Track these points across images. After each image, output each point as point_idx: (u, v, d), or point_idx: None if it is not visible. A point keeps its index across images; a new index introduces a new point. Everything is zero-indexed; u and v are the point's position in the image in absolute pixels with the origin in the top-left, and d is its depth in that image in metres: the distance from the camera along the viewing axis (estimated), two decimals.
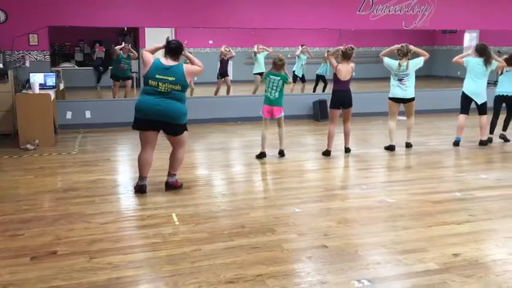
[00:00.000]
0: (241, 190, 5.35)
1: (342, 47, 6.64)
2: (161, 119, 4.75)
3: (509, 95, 7.43)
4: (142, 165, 4.99)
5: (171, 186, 5.09)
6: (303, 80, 12.19)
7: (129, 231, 4.05)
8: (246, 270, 3.24)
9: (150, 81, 4.73)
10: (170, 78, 4.68)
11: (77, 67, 14.44)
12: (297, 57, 12.23)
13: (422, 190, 5.09)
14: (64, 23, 8.43)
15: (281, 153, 6.64)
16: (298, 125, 9.07)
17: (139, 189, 4.98)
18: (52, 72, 8.48)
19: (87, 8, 8.34)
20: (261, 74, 11.15)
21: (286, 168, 6.05)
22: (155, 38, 13.16)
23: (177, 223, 4.14)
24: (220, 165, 6.35)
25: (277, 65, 6.37)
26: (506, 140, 7.51)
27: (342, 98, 6.62)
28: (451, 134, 7.64)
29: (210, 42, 13.36)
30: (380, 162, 6.49)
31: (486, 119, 7.21)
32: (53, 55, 12.06)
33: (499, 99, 7.53)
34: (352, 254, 3.52)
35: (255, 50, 11.52)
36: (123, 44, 11.05)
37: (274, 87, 6.37)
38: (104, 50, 14.38)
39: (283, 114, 6.50)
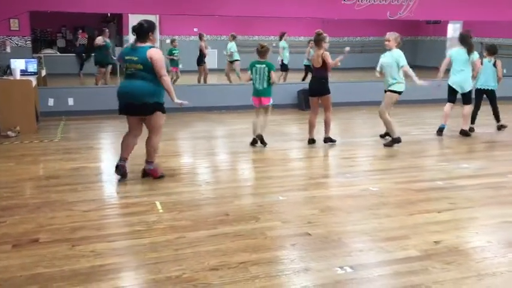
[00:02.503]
0: (225, 178, 5.35)
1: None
2: (129, 100, 4.78)
3: (489, 88, 7.53)
4: (122, 147, 5.07)
5: (148, 174, 5.05)
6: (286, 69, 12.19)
7: (112, 218, 4.02)
8: (230, 258, 3.25)
9: (124, 64, 4.85)
10: (134, 58, 4.72)
11: (59, 53, 14.23)
12: (282, 47, 12.21)
13: (405, 179, 5.15)
14: (45, 8, 8.28)
15: (261, 139, 6.45)
16: (283, 114, 9.07)
17: (116, 169, 4.98)
18: (33, 58, 8.33)
19: None
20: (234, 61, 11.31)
21: (270, 157, 6.06)
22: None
23: (160, 211, 4.13)
24: (204, 154, 6.34)
25: (260, 52, 6.29)
26: (502, 127, 7.69)
27: (313, 85, 6.58)
28: (434, 124, 7.72)
29: (195, 30, 13.26)
30: (364, 151, 6.54)
31: (469, 108, 7.29)
32: (35, 41, 11.87)
33: (479, 92, 7.64)
34: (335, 241, 3.55)
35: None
36: (106, 31, 10.92)
37: (261, 77, 6.29)
38: (87, 36, 14.18)
39: (271, 102, 6.46)
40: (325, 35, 6.46)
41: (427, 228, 3.80)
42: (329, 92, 6.54)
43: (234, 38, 12.02)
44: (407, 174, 5.32)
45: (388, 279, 3.02)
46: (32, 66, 7.79)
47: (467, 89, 7.12)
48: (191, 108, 9.04)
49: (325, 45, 6.45)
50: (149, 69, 4.69)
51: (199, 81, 11.88)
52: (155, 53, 4.70)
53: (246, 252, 3.33)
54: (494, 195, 4.63)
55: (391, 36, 6.38)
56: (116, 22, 14.88)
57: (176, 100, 4.93)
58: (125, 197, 4.54)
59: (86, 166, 5.55)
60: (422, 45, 17.44)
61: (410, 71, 6.40)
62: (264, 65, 6.27)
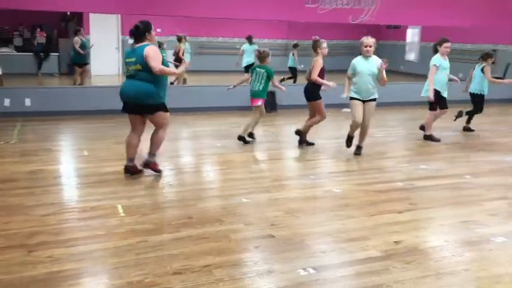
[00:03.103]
0: (189, 181, 5.30)
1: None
2: (132, 100, 4.86)
3: (478, 93, 7.83)
4: (126, 147, 5.10)
5: (148, 166, 5.10)
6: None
7: (71, 223, 3.91)
8: (193, 261, 3.21)
9: (125, 66, 4.95)
10: (133, 60, 4.79)
11: (16, 52, 13.77)
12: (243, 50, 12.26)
13: (367, 180, 5.24)
14: (2, 5, 7.97)
15: (241, 139, 6.71)
16: (248, 116, 9.06)
17: (126, 170, 5.06)
18: None
19: None
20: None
21: (234, 159, 6.05)
22: (100, 23, 12.76)
23: (122, 214, 4.05)
24: (168, 156, 6.25)
25: (259, 58, 6.72)
26: (468, 130, 8.00)
27: (304, 90, 6.72)
28: (396, 126, 7.91)
29: (158, 30, 13.07)
30: (327, 153, 6.61)
31: (429, 115, 7.37)
32: None
33: (471, 96, 7.94)
34: (299, 243, 3.57)
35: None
36: (82, 30, 10.75)
37: (258, 80, 6.64)
38: (46, 35, 13.78)
39: (259, 103, 6.72)
40: (321, 41, 6.49)
41: (387, 228, 3.88)
42: (315, 99, 6.58)
43: (182, 39, 11.97)
44: (369, 176, 5.42)
45: (350, 280, 3.06)
46: None
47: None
48: None
49: (321, 51, 6.45)
50: (147, 69, 4.70)
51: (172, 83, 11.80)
52: (149, 50, 4.70)
53: (210, 255, 3.30)
54: (452, 196, 4.77)
55: (373, 41, 6.05)
56: (76, 20, 14.53)
57: (180, 70, 5.50)
58: (85, 200, 4.42)
59: (44, 169, 5.37)
60: (383, 49, 17.73)
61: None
62: (264, 70, 6.62)
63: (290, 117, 9.15)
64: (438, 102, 7.18)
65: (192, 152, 6.60)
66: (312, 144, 6.76)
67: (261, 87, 6.66)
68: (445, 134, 7.88)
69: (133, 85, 4.80)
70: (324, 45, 6.49)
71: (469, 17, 10.79)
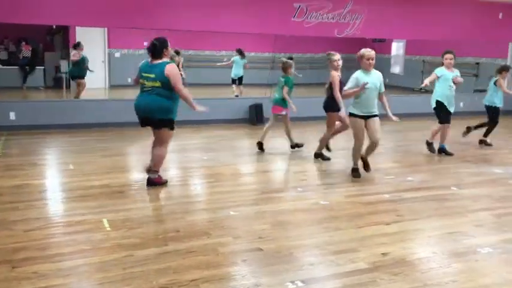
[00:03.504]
0: (177, 194, 5.27)
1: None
2: (146, 114, 5.03)
3: (492, 105, 7.79)
4: (151, 157, 5.27)
5: (152, 183, 5.21)
6: (240, 82, 12.31)
7: (56, 238, 3.85)
8: (181, 275, 3.18)
9: (140, 80, 5.06)
10: (152, 76, 4.93)
11: (0, 66, 13.64)
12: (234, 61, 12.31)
13: (354, 192, 5.26)
14: None
15: (296, 146, 7.16)
16: (235, 128, 9.09)
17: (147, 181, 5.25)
18: None
19: (11, 2, 7.85)
20: None
21: (222, 172, 6.03)
22: (86, 37, 12.72)
23: (108, 229, 4.00)
24: None
25: (283, 68, 6.94)
26: (484, 143, 7.93)
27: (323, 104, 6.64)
28: (382, 138, 7.91)
29: (145, 44, 13.10)
30: (315, 166, 6.62)
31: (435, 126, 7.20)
32: None
33: (486, 109, 7.88)
34: (287, 256, 3.56)
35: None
36: (81, 44, 10.66)
37: (278, 88, 6.93)
38: (31, 48, 13.69)
39: (283, 112, 6.91)
40: (331, 54, 6.37)
41: (375, 240, 3.89)
42: (331, 110, 6.43)
43: (179, 52, 12.04)
44: (356, 188, 5.44)
45: None
46: None
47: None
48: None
49: (332, 64, 6.32)
50: (166, 86, 4.89)
51: None
52: (172, 69, 4.92)
53: (198, 269, 3.28)
54: (438, 207, 4.80)
55: (374, 53, 5.66)
56: (62, 34, 14.47)
57: (198, 108, 5.10)
58: (71, 215, 4.36)
59: (29, 183, 5.30)
60: None
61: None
62: (283, 79, 6.83)
63: (276, 130, 9.17)
64: (438, 115, 7.08)
65: (179, 165, 6.57)
66: (328, 159, 6.77)
67: (276, 95, 6.94)
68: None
69: (149, 99, 4.97)
70: (335, 57, 6.34)
71: (452, 31, 10.99)
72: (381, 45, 17.56)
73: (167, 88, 4.90)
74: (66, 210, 4.52)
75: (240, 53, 12.27)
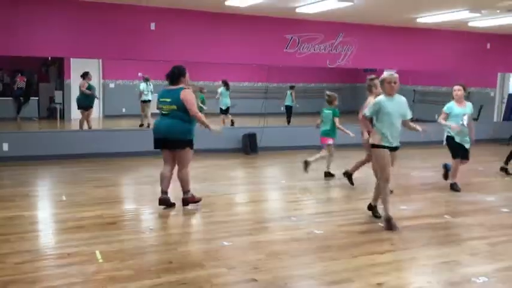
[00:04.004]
0: (169, 225, 5.24)
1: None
2: (163, 135, 5.36)
3: None
4: (160, 180, 5.56)
5: (187, 202, 5.56)
6: (226, 112, 12.52)
7: (47, 270, 3.79)
8: None
9: (158, 105, 5.43)
10: (168, 100, 5.31)
11: None
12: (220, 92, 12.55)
13: (348, 221, 5.25)
14: None
15: (328, 174, 7.43)
16: (228, 158, 9.10)
17: (160, 202, 5.50)
18: None
19: (6, 35, 7.93)
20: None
21: (215, 202, 6.01)
22: (80, 68, 12.83)
23: (100, 260, 3.95)
24: (148, 200, 6.17)
25: (327, 101, 7.27)
26: (504, 171, 7.92)
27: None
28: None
29: (139, 74, 13.23)
30: (308, 194, 6.62)
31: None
32: None
33: None
34: (282, 286, 3.53)
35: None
36: (89, 74, 10.69)
37: (326, 121, 7.24)
38: (26, 80, 13.76)
39: (330, 142, 7.27)
40: (376, 81, 6.07)
41: (370, 270, 3.86)
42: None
43: (146, 80, 12.39)
44: (350, 217, 5.43)
45: None
46: None
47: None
48: (133, 153, 8.90)
49: (377, 90, 5.94)
50: (182, 109, 5.26)
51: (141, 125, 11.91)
52: (187, 94, 5.29)
53: None
54: (432, 236, 4.80)
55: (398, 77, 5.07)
56: (57, 66, 14.59)
57: (212, 128, 5.50)
58: (63, 246, 4.31)
59: (20, 215, 5.25)
60: (360, 91, 18.21)
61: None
62: (331, 112, 7.18)
63: (270, 159, 9.21)
64: (450, 150, 6.74)
65: (172, 196, 6.53)
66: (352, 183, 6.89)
67: (329, 127, 7.23)
68: (425, 174, 8.00)
69: (168, 122, 5.31)
70: (377, 81, 5.95)
71: (441, 61, 11.21)
72: (372, 74, 17.84)
73: (183, 111, 5.26)
74: (58, 242, 4.46)
75: (225, 84, 12.54)
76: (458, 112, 6.56)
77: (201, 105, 11.60)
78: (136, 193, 6.69)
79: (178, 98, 5.24)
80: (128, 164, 8.28)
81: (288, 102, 13.86)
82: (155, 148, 5.55)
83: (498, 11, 8.28)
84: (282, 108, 14.04)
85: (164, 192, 5.54)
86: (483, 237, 4.77)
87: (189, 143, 5.41)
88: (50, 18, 8.16)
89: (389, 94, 4.99)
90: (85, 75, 10.64)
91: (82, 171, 7.65)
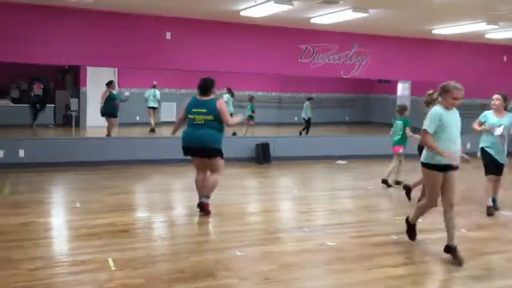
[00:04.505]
0: (182, 233, 5.23)
1: None
2: (198, 144, 5.50)
3: None
4: (196, 187, 5.77)
5: (203, 207, 5.62)
6: None
7: (60, 277, 3.81)
8: None
9: (188, 115, 5.56)
10: (203, 110, 5.48)
11: (12, 104, 13.88)
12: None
13: (361, 233, 5.19)
14: (1, 58, 8.12)
15: (385, 182, 7.64)
16: (241, 167, 9.09)
17: (198, 206, 5.65)
18: None
19: (24, 43, 8.06)
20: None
21: (227, 211, 6.00)
22: (97, 76, 12.98)
23: (113, 268, 3.96)
24: (161, 208, 6.20)
25: (399, 111, 7.64)
26: None
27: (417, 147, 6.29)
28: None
29: (154, 82, 13.34)
30: (321, 205, 6.59)
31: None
32: None
33: None
34: None
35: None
36: (113, 83, 10.73)
37: (396, 131, 7.58)
38: (42, 87, 13.95)
39: (400, 151, 7.56)
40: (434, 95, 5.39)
41: (384, 283, 3.81)
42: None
43: (153, 86, 12.74)
44: (363, 229, 5.38)
45: None
46: None
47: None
48: (147, 161, 8.95)
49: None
50: (217, 119, 5.48)
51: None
52: (223, 104, 5.56)
53: None
54: None
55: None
56: (73, 74, 14.77)
57: (237, 118, 6.08)
58: (76, 254, 4.33)
59: (34, 221, 5.29)
60: (374, 102, 18.17)
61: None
62: (401, 122, 7.50)
63: (283, 169, 9.18)
64: (484, 165, 6.15)
65: (184, 204, 6.55)
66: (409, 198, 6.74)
67: (400, 137, 7.52)
68: None
69: (203, 132, 5.47)
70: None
71: (456, 73, 11.11)
72: (387, 85, 17.77)
73: (218, 121, 5.48)
74: (72, 249, 4.49)
75: (230, 91, 12.57)
76: (493, 122, 5.97)
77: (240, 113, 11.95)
78: (149, 201, 6.71)
79: (215, 108, 5.45)
80: (141, 172, 8.32)
81: (308, 114, 13.37)
82: (186, 155, 5.67)
83: None
84: (296, 118, 14.02)
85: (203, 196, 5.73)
86: (499, 252, 4.69)
87: (221, 152, 5.61)
88: (68, 27, 8.29)
89: (447, 107, 4.38)
90: (109, 84, 10.68)
91: (96, 179, 7.71)
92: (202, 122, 5.48)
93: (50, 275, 3.80)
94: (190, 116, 5.55)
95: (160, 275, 3.86)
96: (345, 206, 6.58)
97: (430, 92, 5.97)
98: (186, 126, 5.68)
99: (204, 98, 5.56)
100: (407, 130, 7.43)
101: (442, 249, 4.50)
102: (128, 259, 4.17)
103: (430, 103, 5.80)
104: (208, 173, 5.74)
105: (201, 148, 5.51)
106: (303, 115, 13.38)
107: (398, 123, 7.60)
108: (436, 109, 4.39)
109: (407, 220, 4.94)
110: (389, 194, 7.46)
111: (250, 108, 12.32)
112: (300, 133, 13.01)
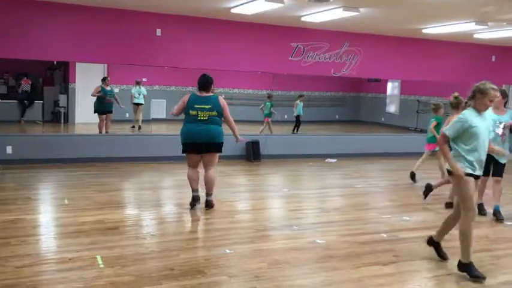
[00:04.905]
0: (171, 231, 5.21)
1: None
2: (203, 140, 5.62)
3: None
4: (192, 181, 5.84)
5: (210, 205, 5.84)
6: None
7: (48, 275, 3.77)
8: None
9: (190, 111, 5.62)
10: (207, 106, 5.61)
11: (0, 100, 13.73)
12: None
13: (351, 231, 5.21)
14: None
15: (412, 176, 7.85)
16: (231, 165, 9.07)
17: (194, 199, 5.81)
18: None
19: (11, 39, 7.96)
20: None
21: (217, 209, 5.98)
22: (86, 73, 12.88)
23: (101, 266, 3.93)
24: (150, 205, 6.17)
25: (434, 109, 7.64)
26: None
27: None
28: (377, 177, 7.98)
29: (144, 80, 13.28)
30: (310, 204, 6.60)
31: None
32: None
33: None
34: None
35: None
36: (107, 79, 10.59)
37: (428, 128, 7.63)
38: (31, 83, 13.82)
39: (437, 149, 7.00)
40: (461, 98, 5.64)
41: (372, 281, 3.83)
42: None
43: (138, 83, 12.60)
44: (353, 227, 5.40)
45: None
46: None
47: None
48: (136, 158, 8.90)
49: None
50: (220, 114, 5.68)
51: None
52: (224, 101, 5.76)
53: None
54: None
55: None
56: (62, 70, 14.64)
57: (239, 137, 6.02)
58: (64, 251, 4.29)
59: (22, 218, 5.24)
60: (364, 101, 18.27)
61: None
62: (434, 119, 7.53)
63: (273, 167, 9.19)
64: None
65: (174, 201, 6.53)
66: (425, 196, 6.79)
67: (429, 134, 7.62)
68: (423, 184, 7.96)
69: (209, 127, 5.62)
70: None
71: (445, 73, 11.21)
72: (377, 84, 17.87)
73: (220, 116, 5.68)
74: (59, 246, 4.45)
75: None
76: (493, 119, 5.41)
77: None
78: (138, 198, 6.67)
79: (218, 104, 5.64)
80: (129, 169, 8.27)
81: (299, 112, 13.33)
82: (186, 152, 5.75)
83: (505, 23, 8.27)
84: (286, 116, 14.05)
85: (195, 189, 5.84)
86: (487, 250, 4.73)
87: (222, 146, 5.79)
88: (57, 22, 8.20)
89: (479, 109, 4.03)
90: (103, 80, 10.59)
91: (84, 176, 7.65)
92: (207, 117, 5.60)
93: (37, 273, 3.77)
94: (193, 112, 5.61)
95: (149, 273, 3.84)
96: (335, 204, 6.60)
97: (456, 94, 6.10)
98: (185, 123, 5.71)
99: (205, 94, 5.67)
100: (432, 127, 7.49)
101: (430, 246, 4.52)
102: (117, 256, 4.15)
103: (457, 106, 5.97)
104: (203, 169, 5.82)
105: (208, 143, 5.64)
106: (295, 113, 13.41)
107: (432, 120, 7.65)
108: (466, 115, 4.00)
109: (431, 241, 4.48)
110: (378, 193, 7.50)
111: (268, 105, 12.46)
112: (293, 131, 13.06)
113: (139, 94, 12.52)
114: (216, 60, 9.20)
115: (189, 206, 5.84)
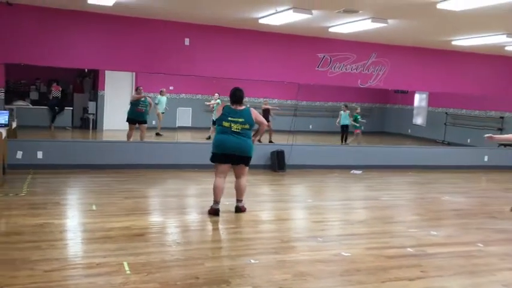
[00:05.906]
0: (196, 239, 5.24)
1: None
2: (236, 152, 5.80)
3: None
4: (217, 191, 5.92)
5: (240, 210, 6.09)
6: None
7: (76, 280, 3.84)
8: None
9: (223, 122, 5.81)
10: (240, 120, 5.81)
11: (31, 106, 14.10)
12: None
13: (376, 245, 5.14)
14: (20, 60, 8.26)
15: None
16: (256, 174, 9.08)
17: (214, 212, 5.91)
18: (5, 110, 8.22)
19: (45, 46, 8.21)
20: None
21: (242, 218, 6.00)
22: (115, 80, 13.14)
23: (128, 272, 3.98)
24: (175, 213, 6.23)
25: None
26: None
27: None
28: (403, 190, 7.86)
29: (171, 88, 13.46)
30: (335, 215, 6.55)
31: None
32: (7, 92, 11.77)
33: None
34: None
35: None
36: (139, 89, 10.68)
37: None
38: (61, 89, 14.16)
39: None
40: None
41: None
42: None
43: (161, 92, 12.71)
44: (379, 240, 5.33)
45: None
46: (3, 118, 7.66)
47: None
48: (162, 166, 9.00)
49: None
50: (251, 127, 5.90)
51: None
52: (255, 111, 5.99)
53: None
54: (464, 264, 4.65)
55: None
56: (91, 77, 14.98)
57: (256, 140, 6.17)
58: (91, 256, 4.36)
59: (51, 222, 5.35)
60: (390, 112, 18.10)
61: None
62: None
63: (298, 177, 9.16)
64: None
65: (199, 210, 6.56)
66: None
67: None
68: (457, 199, 7.82)
69: (241, 140, 5.80)
70: None
71: (474, 85, 11.02)
72: (404, 96, 17.68)
73: (251, 129, 5.89)
74: (87, 252, 4.52)
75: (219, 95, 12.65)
76: None
77: None
78: (163, 205, 6.74)
79: (251, 117, 5.85)
80: (155, 176, 8.37)
81: (344, 122, 13.55)
82: (215, 162, 5.88)
83: None
84: (311, 126, 14.02)
85: (217, 202, 5.93)
86: None
87: (251, 160, 6.01)
88: (88, 31, 8.42)
89: None
90: (136, 89, 10.72)
91: (112, 182, 7.77)
92: (240, 130, 5.78)
93: (65, 277, 3.84)
94: (226, 124, 5.79)
95: (174, 281, 3.87)
96: (360, 217, 6.53)
97: None
98: (218, 132, 5.88)
99: (239, 108, 5.87)
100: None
101: (458, 262, 4.43)
102: (143, 263, 4.19)
103: None
104: (233, 178, 6.05)
105: (239, 156, 5.83)
106: (343, 122, 13.51)
107: None
108: None
109: None
110: (404, 206, 7.39)
111: (355, 117, 13.10)
112: (342, 142, 13.17)
113: (164, 103, 12.65)
114: (242, 70, 9.27)
115: (212, 215, 5.89)
